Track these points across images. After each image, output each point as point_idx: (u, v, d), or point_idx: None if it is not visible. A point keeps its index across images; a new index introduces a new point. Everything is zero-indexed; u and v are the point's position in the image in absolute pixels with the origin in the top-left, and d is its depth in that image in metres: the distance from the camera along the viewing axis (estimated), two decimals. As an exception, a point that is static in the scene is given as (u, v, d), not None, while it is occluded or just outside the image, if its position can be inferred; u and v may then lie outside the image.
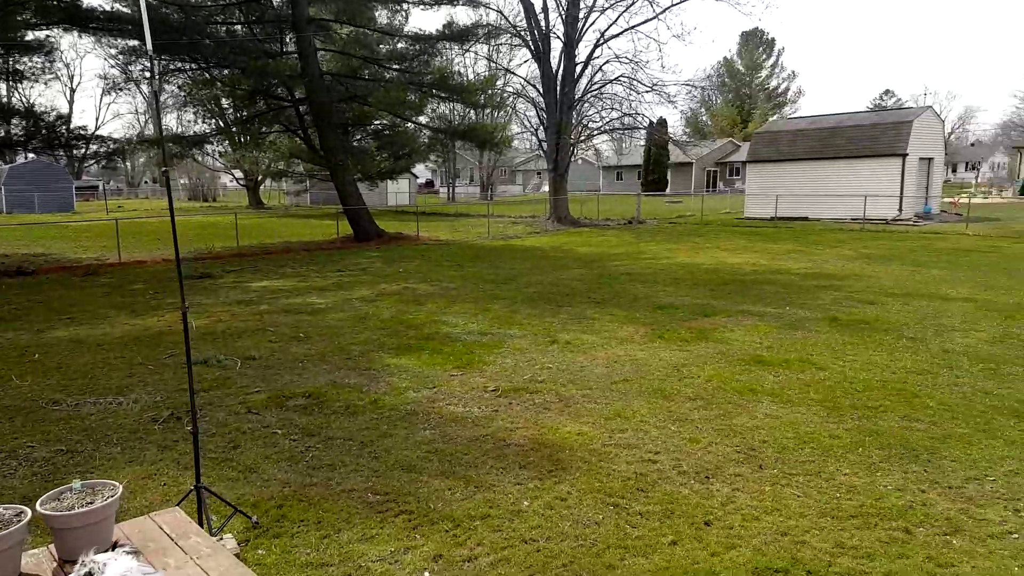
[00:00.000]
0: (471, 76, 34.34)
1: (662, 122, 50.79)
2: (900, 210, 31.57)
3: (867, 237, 25.11)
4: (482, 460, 5.93)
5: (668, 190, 64.56)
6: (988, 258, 18.81)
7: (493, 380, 8.20)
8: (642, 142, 57.73)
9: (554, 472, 5.69)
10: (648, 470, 5.75)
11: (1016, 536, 4.71)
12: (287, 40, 25.10)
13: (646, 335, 10.35)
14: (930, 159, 34.38)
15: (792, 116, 67.33)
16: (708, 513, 5.02)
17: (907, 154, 31.20)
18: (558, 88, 30.99)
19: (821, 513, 5.02)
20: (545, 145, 32.77)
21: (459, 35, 24.20)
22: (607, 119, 33.13)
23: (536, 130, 34.01)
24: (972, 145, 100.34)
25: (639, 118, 32.87)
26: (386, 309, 12.65)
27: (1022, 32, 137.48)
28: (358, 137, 31.37)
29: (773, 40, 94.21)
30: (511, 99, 34.31)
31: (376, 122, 29.69)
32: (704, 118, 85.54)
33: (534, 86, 32.70)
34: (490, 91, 27.61)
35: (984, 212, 35.60)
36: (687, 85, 48.94)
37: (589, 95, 32.02)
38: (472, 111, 36.46)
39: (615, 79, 31.12)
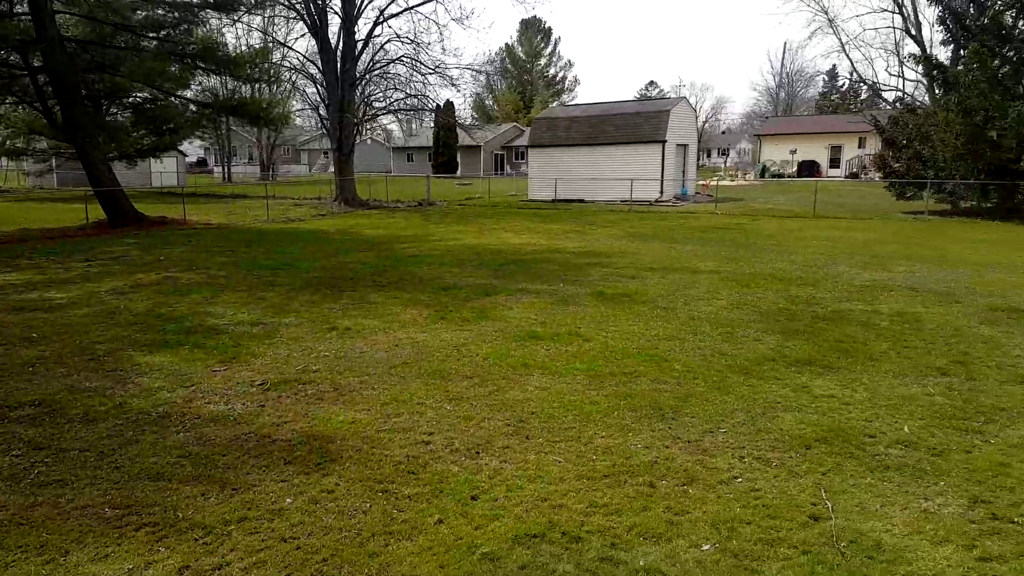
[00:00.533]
0: (244, 48, 32.14)
1: (449, 105, 51.25)
2: (662, 192, 34.65)
3: (634, 218, 27.27)
4: (242, 460, 5.57)
5: (459, 172, 65.49)
6: (732, 235, 21.22)
7: (261, 373, 7.75)
8: (432, 124, 57.94)
9: (322, 465, 5.50)
10: (421, 452, 5.75)
11: (740, 480, 5.33)
12: (17, -1, 21.72)
13: (429, 317, 10.38)
14: (686, 145, 38.08)
15: (569, 103, 71.23)
16: (475, 488, 5.12)
17: (666, 141, 34.25)
18: (338, 65, 30.01)
19: (578, 476, 5.33)
20: (328, 124, 31.65)
21: (223, 4, 22.43)
22: (392, 99, 32.76)
23: (317, 107, 32.72)
24: (723, 133, 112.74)
25: (425, 100, 32.90)
26: (141, 302, 11.48)
27: (758, 30, 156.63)
28: (114, 112, 28.10)
29: (550, 29, 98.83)
30: (289, 75, 32.66)
31: (135, 95, 26.77)
32: (489, 102, 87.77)
33: (313, 63, 31.39)
34: (263, 65, 26.00)
35: (731, 194, 40.19)
36: (469, 69, 49.75)
37: (372, 74, 31.41)
38: (246, 86, 34.16)
39: (397, 59, 30.80)
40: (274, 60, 31.72)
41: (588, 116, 36.07)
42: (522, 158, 66.31)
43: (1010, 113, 21.67)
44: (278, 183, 53.92)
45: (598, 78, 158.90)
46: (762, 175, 57.15)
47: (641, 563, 4.23)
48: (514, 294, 11.98)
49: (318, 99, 32.50)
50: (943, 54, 27.95)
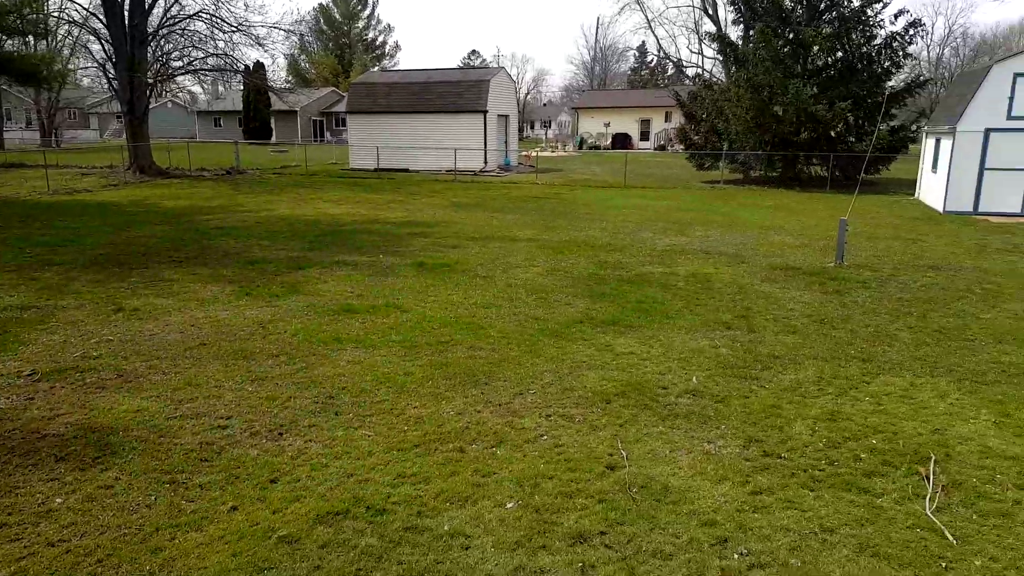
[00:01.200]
0: (10, -5, 27.95)
1: (259, 67, 48.16)
2: (485, 162, 35.00)
3: (458, 187, 27.32)
4: (4, 461, 4.90)
5: (273, 139, 62.04)
6: (551, 204, 21.89)
7: (31, 363, 6.87)
8: (241, 87, 54.19)
9: (101, 459, 4.97)
10: (216, 437, 5.37)
11: (546, 438, 5.51)
12: None
13: (233, 293, 9.73)
14: (507, 116, 38.63)
15: (390, 69, 69.64)
16: (276, 471, 4.87)
17: (487, 111, 34.51)
18: (126, 19, 27.02)
19: (388, 448, 5.25)
20: (117, 84, 28.51)
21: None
22: (192, 59, 30.09)
23: (104, 66, 29.35)
24: (544, 105, 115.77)
25: (230, 60, 30.55)
26: None
27: (573, 4, 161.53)
28: None
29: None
30: (69, 28, 28.93)
31: None
32: (305, 65, 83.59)
33: (97, 16, 28.03)
34: (32, 15, 22.80)
35: (552, 164, 41.45)
36: (278, 28, 46.79)
37: (166, 29, 28.60)
38: (14, 39, 29.84)
39: (195, 14, 28.25)
40: (49, 10, 27.93)
41: (409, 83, 35.45)
42: (343, 125, 64.14)
43: (790, 89, 24.09)
44: (63, 151, 48.08)
45: (420, 45, 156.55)
46: (580, 147, 59.50)
47: (446, 528, 4.24)
48: (329, 267, 11.56)
49: (104, 56, 29.15)
50: (735, 33, 30.41)
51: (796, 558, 3.99)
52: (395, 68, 76.32)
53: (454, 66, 53.09)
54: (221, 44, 29.72)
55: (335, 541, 4.08)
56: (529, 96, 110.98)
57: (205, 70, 30.75)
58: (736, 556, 4.01)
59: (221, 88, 64.02)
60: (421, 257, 12.49)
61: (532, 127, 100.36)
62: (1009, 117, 17.37)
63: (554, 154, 53.52)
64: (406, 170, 34.11)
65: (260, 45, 31.27)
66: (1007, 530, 4.25)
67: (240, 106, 60.64)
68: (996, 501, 4.56)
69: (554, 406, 6.13)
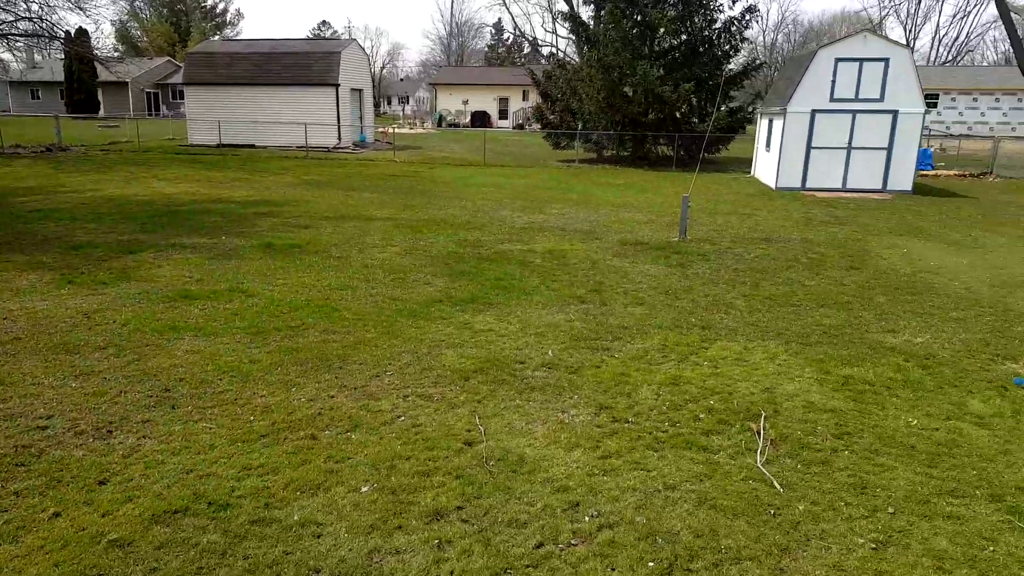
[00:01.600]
0: None
1: (83, 33, 43.70)
2: (339, 139, 33.88)
3: (310, 165, 26.30)
4: None
5: (101, 112, 56.77)
6: (409, 182, 21.57)
7: None
8: (62, 56, 49.04)
9: None
10: (35, 439, 4.85)
11: (403, 419, 5.42)
12: None
13: (53, 282, 8.82)
14: (360, 90, 37.53)
15: (232, 38, 65.53)
16: (105, 471, 4.47)
17: (339, 84, 33.34)
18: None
19: (232, 440, 4.96)
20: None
21: None
22: None
23: None
24: (402, 80, 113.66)
25: (46, 25, 27.47)
26: None
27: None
28: None
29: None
30: None
31: None
32: (137, 32, 76.96)
33: None
34: None
35: (410, 142, 40.83)
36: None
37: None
38: None
39: (3, -29, 25.12)
40: None
41: (252, 53, 33.49)
42: (180, 97, 59.82)
43: (638, 70, 25.06)
44: None
45: (264, 14, 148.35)
46: (439, 124, 59.04)
47: (296, 517, 4.07)
48: (164, 250, 10.75)
49: None
50: (587, 13, 31.06)
51: (642, 516, 4.18)
52: (238, 38, 71.94)
53: (302, 37, 50.72)
54: (35, 7, 26.64)
55: (173, 541, 3.81)
56: (385, 71, 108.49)
57: (15, 35, 27.48)
58: (587, 519, 4.14)
59: (38, 56, 57.76)
60: (269, 238, 11.91)
61: (389, 103, 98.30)
62: (832, 99, 19.02)
63: (412, 131, 52.79)
64: (252, 146, 32.38)
65: (81, 9, 28.32)
66: (826, 476, 4.68)
67: (62, 76, 54.99)
68: (817, 451, 5.01)
69: (412, 386, 6.05)
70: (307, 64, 32.86)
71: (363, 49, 40.29)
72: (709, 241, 12.49)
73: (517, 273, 10.03)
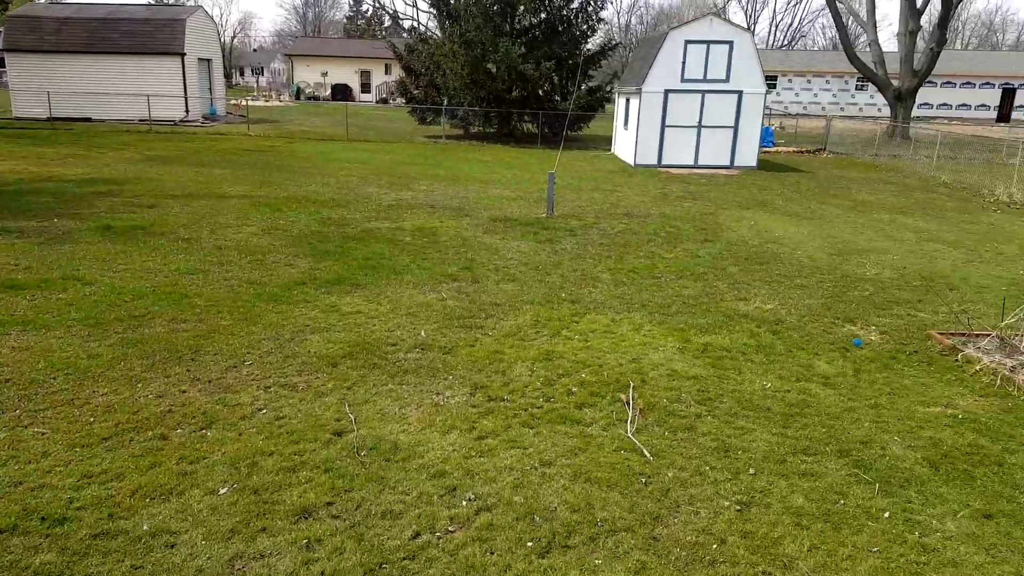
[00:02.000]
0: None
1: None
2: (187, 111, 31.59)
3: (155, 139, 24.35)
4: None
5: (-98, 81, 49.69)
6: (266, 157, 20.45)
7: None
8: None
9: None
10: None
11: (265, 412, 5.10)
12: None
13: None
14: (209, 60, 35.12)
15: (60, 1, 59.30)
16: (-92, 494, 3.88)
17: (185, 54, 31.02)
18: None
19: (69, 446, 4.46)
20: None
21: None
22: None
23: None
24: (255, 51, 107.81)
25: None
26: None
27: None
28: None
29: (27, -94, 79.81)
30: None
31: None
32: (-58, -10, 67.78)
33: None
34: None
35: (266, 115, 38.74)
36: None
37: None
38: None
39: None
40: None
41: (85, 18, 30.41)
42: (2, 66, 53.53)
43: (500, 47, 25.03)
44: None
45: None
46: (297, 96, 56.51)
47: (145, 527, 3.71)
48: (-15, 234, 9.56)
49: None
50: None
51: (520, 495, 4.15)
52: (67, 0, 65.28)
53: (142, 2, 46.67)
54: None
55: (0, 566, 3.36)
56: (236, 40, 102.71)
57: None
58: (464, 503, 4.06)
59: None
60: (108, 219, 10.88)
61: (241, 73, 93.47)
62: (683, 80, 19.85)
63: (268, 104, 50.24)
64: (88, 120, 29.60)
65: None
66: (691, 442, 4.87)
67: None
68: (682, 417, 5.20)
69: (274, 376, 5.72)
70: (148, 32, 30.32)
71: (210, 16, 37.74)
72: (575, 217, 12.71)
73: (386, 252, 9.75)
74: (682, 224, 12.37)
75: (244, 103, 37.58)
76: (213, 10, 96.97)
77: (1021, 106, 50.79)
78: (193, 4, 50.18)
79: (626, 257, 9.92)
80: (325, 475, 4.27)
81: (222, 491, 4.07)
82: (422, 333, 6.73)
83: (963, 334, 6.87)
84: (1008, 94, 51.02)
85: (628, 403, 5.30)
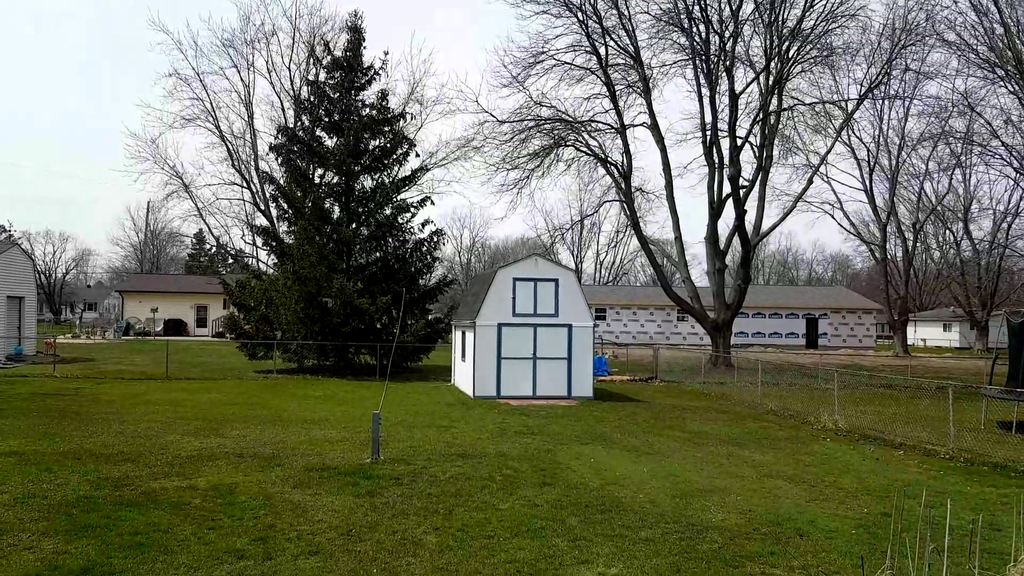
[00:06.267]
0: None
1: None
2: (-14, 352, 28.33)
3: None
4: None
5: None
6: (63, 402, 18.00)
7: None
8: None
9: None
10: None
11: None
12: None
13: None
14: (21, 298, 32.50)
15: None
16: None
17: (-8, 291, 28.54)
18: None
19: None
20: None
21: None
22: None
23: None
24: (89, 287, 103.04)
25: None
26: None
27: (115, 185, 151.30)
28: None
29: None
30: None
31: None
32: None
33: None
34: None
35: (86, 352, 35.54)
36: None
37: None
38: None
39: None
40: None
41: None
42: None
43: (335, 284, 24.91)
44: None
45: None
46: (126, 333, 53.08)
47: None
48: None
49: None
50: (284, 228, 30.94)
51: None
52: None
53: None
54: None
55: None
56: (69, 276, 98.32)
57: None
58: None
59: None
60: None
61: (72, 310, 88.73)
62: (515, 314, 20.26)
63: (90, 341, 46.68)
64: None
65: None
66: None
67: None
68: None
69: None
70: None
71: (25, 252, 35.73)
72: (404, 460, 11.58)
73: (164, 522, 8.04)
74: (520, 464, 11.55)
75: (56, 341, 34.54)
76: (46, 247, 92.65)
77: (824, 333, 57.46)
78: (6, 240, 47.37)
79: (456, 510, 8.80)
80: None
81: None
82: (176, 647, 5.13)
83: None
84: (812, 323, 57.84)
85: None
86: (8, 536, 7.43)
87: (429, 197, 29.35)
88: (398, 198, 28.65)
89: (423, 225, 28.83)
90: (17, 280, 31.98)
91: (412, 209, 28.77)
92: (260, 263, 39.90)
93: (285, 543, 7.45)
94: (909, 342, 56.02)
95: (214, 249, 79.86)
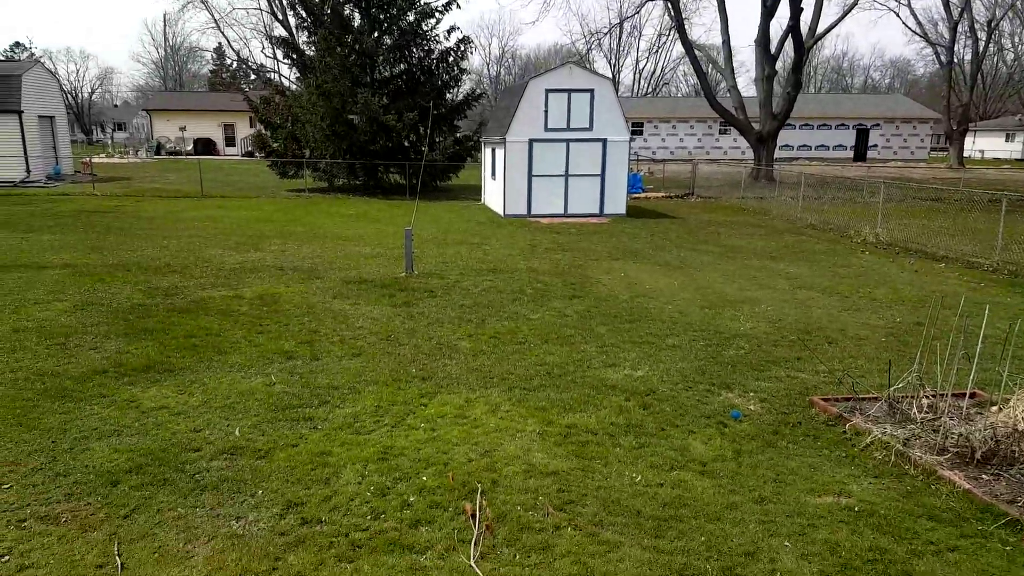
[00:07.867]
0: None
1: None
2: (28, 172, 28.81)
3: (-24, 201, 21.71)
4: None
5: None
6: (106, 219, 18.51)
7: None
8: None
9: None
10: None
11: (8, 559, 3.89)
12: None
13: None
14: (52, 117, 32.41)
15: None
16: None
17: (23, 111, 28.44)
18: None
19: None
20: None
21: None
22: None
23: None
24: (116, 106, 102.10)
25: None
26: None
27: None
28: None
29: None
30: None
31: None
32: None
33: None
34: None
35: (121, 172, 35.96)
36: None
37: None
38: None
39: None
40: None
41: None
42: None
43: (359, 99, 24.20)
44: None
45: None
46: (157, 152, 53.28)
47: None
48: None
49: None
50: (304, 39, 29.53)
51: (323, 671, 3.16)
52: None
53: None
54: None
55: None
56: (96, 96, 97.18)
57: None
58: None
59: None
60: None
61: (103, 130, 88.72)
62: (546, 129, 19.71)
63: (124, 160, 47.03)
64: (-102, 182, 26.32)
65: None
66: (547, 567, 4.01)
67: None
68: (538, 531, 4.33)
69: (33, 505, 4.49)
70: (-15, 89, 27.57)
71: (51, 71, 35.08)
72: (437, 275, 11.89)
73: (216, 326, 8.52)
74: (550, 279, 11.81)
75: (94, 161, 34.85)
76: (68, 66, 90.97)
77: (875, 145, 55.01)
78: (30, 59, 46.36)
79: (488, 320, 9.14)
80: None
81: None
82: (236, 432, 5.62)
83: (848, 398, 6.39)
84: (862, 134, 55.06)
85: (474, 516, 4.41)
86: (75, 337, 7.96)
87: (455, -1, 27.44)
88: (421, 2, 26.77)
89: (448, 32, 27.20)
90: (45, 99, 31.69)
91: (436, 14, 26.88)
92: (283, 78, 38.78)
93: (330, 346, 7.88)
94: (965, 154, 53.10)
95: (235, 64, 77.62)
